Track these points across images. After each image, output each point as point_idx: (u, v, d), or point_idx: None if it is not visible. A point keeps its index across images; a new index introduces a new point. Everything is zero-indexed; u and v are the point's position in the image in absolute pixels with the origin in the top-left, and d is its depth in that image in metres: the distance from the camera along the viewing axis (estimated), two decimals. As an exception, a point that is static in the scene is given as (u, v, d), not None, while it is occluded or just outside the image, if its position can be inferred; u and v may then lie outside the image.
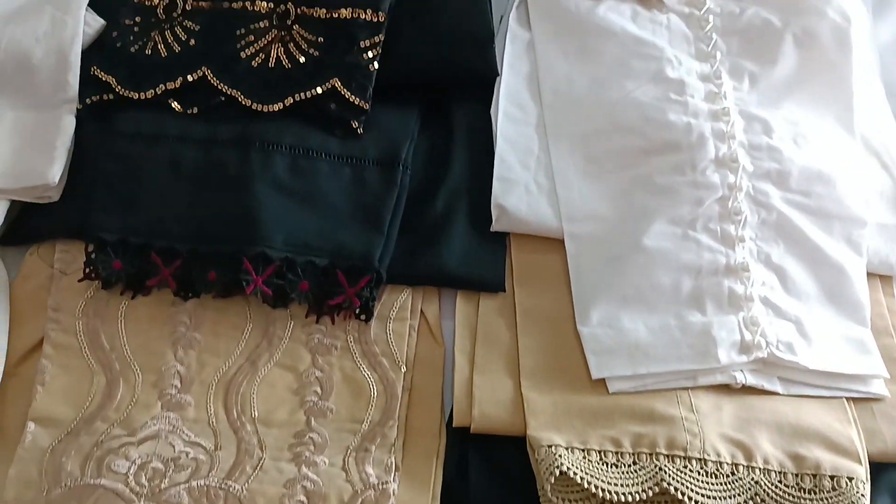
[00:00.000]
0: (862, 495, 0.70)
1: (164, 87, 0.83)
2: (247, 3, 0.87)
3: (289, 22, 0.86)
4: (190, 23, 0.87)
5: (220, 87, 0.83)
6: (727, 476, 0.70)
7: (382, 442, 0.73)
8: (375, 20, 0.85)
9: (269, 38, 0.85)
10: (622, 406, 0.73)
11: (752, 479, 0.70)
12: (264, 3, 0.87)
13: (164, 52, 0.85)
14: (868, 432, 0.74)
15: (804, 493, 0.69)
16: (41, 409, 0.73)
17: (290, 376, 0.76)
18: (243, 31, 0.86)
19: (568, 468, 0.68)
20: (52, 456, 0.71)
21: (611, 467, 0.69)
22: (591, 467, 0.69)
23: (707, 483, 0.69)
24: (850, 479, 0.70)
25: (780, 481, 0.70)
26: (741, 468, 0.70)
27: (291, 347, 0.77)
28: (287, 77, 0.83)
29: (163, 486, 0.70)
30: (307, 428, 0.74)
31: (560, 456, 0.69)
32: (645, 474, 0.69)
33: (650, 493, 0.69)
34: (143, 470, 0.70)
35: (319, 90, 0.82)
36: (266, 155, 0.80)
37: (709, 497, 0.68)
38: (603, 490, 0.68)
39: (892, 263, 0.84)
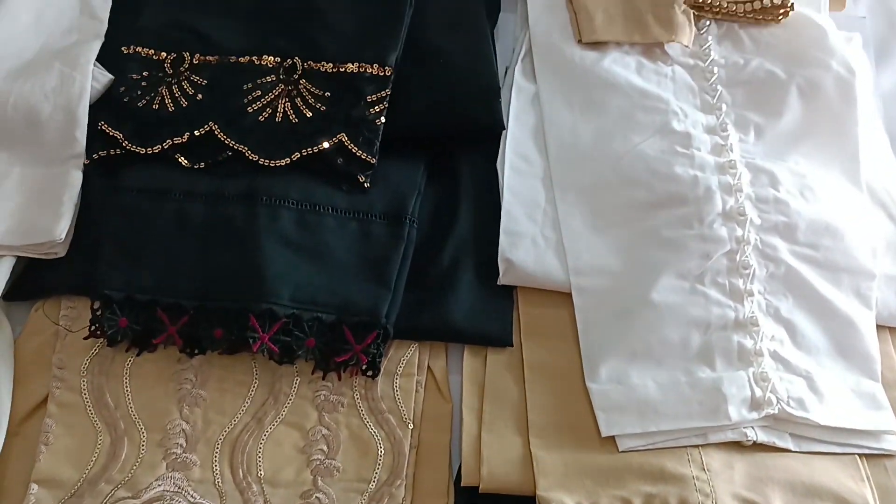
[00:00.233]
0: (877, 556, 0.69)
1: (171, 142, 0.83)
2: (254, 58, 0.88)
3: (295, 76, 0.86)
4: (197, 77, 0.87)
5: (227, 142, 0.83)
6: (741, 537, 0.68)
7: (390, 502, 0.72)
8: (382, 74, 0.86)
9: (276, 93, 0.85)
10: (632, 465, 0.72)
11: (767, 539, 0.69)
12: (271, 58, 0.87)
13: (171, 107, 0.85)
14: (882, 490, 0.73)
15: (819, 554, 0.68)
16: (45, 470, 0.72)
17: (296, 434, 0.75)
18: (250, 85, 0.86)
19: (579, 529, 0.67)
20: (55, 519, 0.70)
21: (622, 528, 0.68)
22: (602, 529, 0.68)
23: (720, 545, 0.68)
24: (866, 539, 0.69)
25: (794, 542, 0.69)
26: (755, 529, 0.69)
27: (298, 404, 0.76)
28: (294, 132, 0.83)
29: (167, 548, 0.69)
30: (314, 488, 0.73)
31: (571, 517, 0.68)
32: (657, 536, 0.68)
33: (662, 556, 0.68)
34: (147, 532, 0.69)
35: (326, 145, 0.82)
36: (273, 210, 0.80)
37: (723, 559, 0.67)
38: (614, 553, 0.67)
39: (901, 315, 0.83)
